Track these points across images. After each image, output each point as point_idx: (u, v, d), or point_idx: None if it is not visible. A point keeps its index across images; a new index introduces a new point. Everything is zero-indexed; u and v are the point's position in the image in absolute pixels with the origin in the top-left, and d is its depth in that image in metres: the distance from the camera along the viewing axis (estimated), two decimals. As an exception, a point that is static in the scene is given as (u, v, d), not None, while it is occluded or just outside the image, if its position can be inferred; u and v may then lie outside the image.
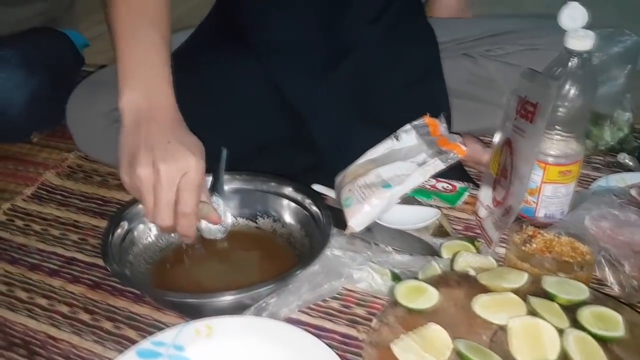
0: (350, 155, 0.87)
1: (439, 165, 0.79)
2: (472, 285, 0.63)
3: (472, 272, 0.66)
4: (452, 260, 0.72)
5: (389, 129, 0.86)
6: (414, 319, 0.59)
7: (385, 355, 0.55)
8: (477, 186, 0.89)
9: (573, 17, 0.72)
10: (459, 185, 0.89)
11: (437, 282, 0.64)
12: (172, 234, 0.77)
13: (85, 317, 0.70)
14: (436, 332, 0.56)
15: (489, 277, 0.63)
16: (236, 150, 0.82)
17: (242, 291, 0.64)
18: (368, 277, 0.71)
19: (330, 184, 0.88)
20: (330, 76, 0.89)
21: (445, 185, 0.89)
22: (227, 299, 0.64)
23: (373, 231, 0.81)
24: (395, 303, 0.61)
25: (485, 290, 0.62)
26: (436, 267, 0.71)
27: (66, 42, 1.18)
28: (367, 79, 0.91)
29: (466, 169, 0.92)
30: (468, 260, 0.71)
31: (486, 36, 0.92)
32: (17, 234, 0.86)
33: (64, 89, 0.95)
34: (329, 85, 0.89)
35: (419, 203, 0.87)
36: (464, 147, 0.79)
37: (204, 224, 0.79)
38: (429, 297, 0.61)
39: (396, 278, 0.71)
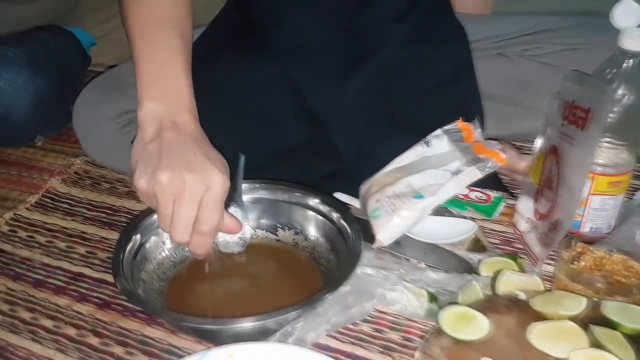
0: (375, 163, 0.81)
1: (476, 174, 0.73)
2: (523, 310, 0.57)
3: (521, 296, 0.59)
4: (494, 280, 0.66)
5: (417, 135, 0.81)
6: (462, 350, 0.53)
7: (432, 392, 0.49)
8: (513, 196, 0.83)
9: (628, 15, 0.65)
10: (493, 194, 0.83)
11: (484, 307, 0.58)
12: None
13: (94, 340, 0.65)
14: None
15: (542, 302, 0.57)
16: (252, 156, 0.76)
17: (267, 316, 0.58)
18: (402, 298, 0.65)
19: (352, 193, 0.82)
20: (353, 78, 0.83)
21: (479, 194, 0.83)
22: (250, 325, 0.58)
23: (402, 245, 0.75)
24: (439, 332, 0.55)
25: (539, 317, 0.56)
26: (477, 288, 0.65)
27: (72, 41, 1.12)
28: (392, 81, 0.85)
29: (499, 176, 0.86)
30: (512, 280, 0.65)
31: (523, 34, 0.86)
32: (20, 246, 0.80)
33: (71, 91, 0.91)
34: (351, 88, 0.83)
35: (451, 214, 0.81)
36: (503, 155, 0.73)
37: (220, 236, 0.73)
38: (478, 326, 0.54)
39: (433, 299, 0.65)
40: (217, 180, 0.59)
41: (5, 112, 0.91)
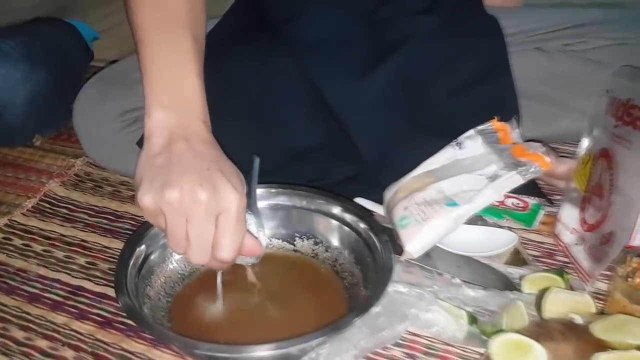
0: (400, 166, 0.75)
1: (517, 180, 0.66)
2: (581, 338, 0.50)
3: (577, 320, 0.52)
4: (540, 298, 0.59)
5: (447, 136, 0.74)
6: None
7: None
8: (552, 203, 0.76)
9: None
10: (531, 201, 0.76)
11: (537, 333, 0.51)
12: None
13: (94, 365, 0.58)
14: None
15: (604, 327, 0.50)
16: (265, 158, 0.70)
17: (289, 343, 0.52)
18: (439, 320, 0.58)
19: (374, 198, 0.75)
20: (375, 73, 0.76)
21: (515, 201, 0.76)
22: (271, 353, 0.51)
23: (433, 257, 0.68)
24: (487, 362, 0.48)
25: (600, 345, 0.49)
26: (522, 309, 0.58)
27: (73, 35, 1.06)
28: (419, 76, 0.78)
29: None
30: (560, 299, 0.58)
31: (564, 28, 0.79)
32: (15, 256, 0.73)
33: (71, 87, 0.85)
34: (373, 84, 0.76)
35: (485, 223, 0.74)
36: (548, 159, 0.66)
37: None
38: (535, 358, 0.47)
39: (473, 321, 0.58)
40: (233, 199, 0.52)
41: (0, 110, 0.85)
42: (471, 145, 0.72)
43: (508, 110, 0.75)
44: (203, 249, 0.52)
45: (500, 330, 0.53)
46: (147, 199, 0.52)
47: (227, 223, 0.52)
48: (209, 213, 0.51)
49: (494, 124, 0.73)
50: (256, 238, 0.60)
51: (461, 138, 0.72)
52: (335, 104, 0.76)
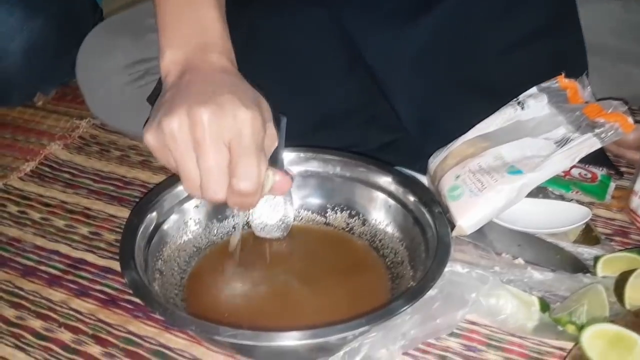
0: (445, 132, 0.66)
1: (594, 144, 0.56)
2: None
3: (681, 309, 0.43)
4: (620, 282, 0.50)
5: (502, 97, 0.64)
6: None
7: None
8: (620, 174, 0.66)
9: None
10: (599, 172, 0.66)
11: (632, 324, 0.41)
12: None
13: (94, 350, 0.49)
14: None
15: None
16: (294, 122, 0.61)
17: (330, 331, 0.42)
18: (506, 306, 0.48)
19: (415, 167, 0.66)
20: (419, 23, 0.66)
21: (582, 171, 0.66)
22: (306, 342, 0.42)
23: (488, 234, 0.59)
24: (581, 358, 0.38)
25: None
26: (603, 294, 0.48)
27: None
28: (471, 27, 0.67)
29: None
30: (648, 284, 0.48)
31: (643, -31, 0.68)
32: (8, 224, 0.65)
33: (74, 37, 0.75)
34: (417, 35, 0.66)
35: (546, 195, 0.64)
36: (630, 120, 0.56)
37: (257, 218, 0.57)
38: (641, 356, 0.38)
39: (546, 308, 0.49)
40: (244, 117, 0.44)
41: (-6, 59, 0.76)
42: (535, 104, 0.62)
43: (575, 67, 0.65)
44: (218, 180, 0.44)
45: (589, 321, 0.43)
46: (148, 136, 0.45)
47: (240, 147, 0.44)
48: (216, 136, 0.43)
49: (560, 81, 0.63)
50: (287, 174, 0.51)
51: (523, 96, 0.63)
52: (371, 58, 0.67)
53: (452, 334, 0.50)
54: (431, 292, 0.48)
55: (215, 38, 0.52)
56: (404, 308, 0.44)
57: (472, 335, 0.50)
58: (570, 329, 0.47)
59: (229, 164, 0.44)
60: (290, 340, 0.42)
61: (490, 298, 0.48)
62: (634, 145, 0.66)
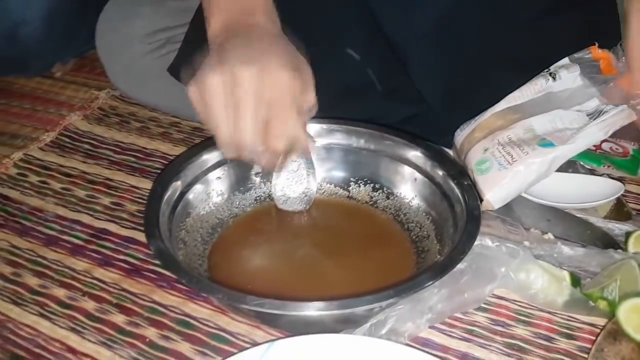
0: (470, 105, 0.63)
1: (629, 115, 0.55)
2: None
3: None
4: (654, 259, 0.48)
5: (530, 69, 0.62)
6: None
7: None
8: (652, 150, 0.64)
9: None
10: (630, 146, 0.64)
11: (672, 300, 0.40)
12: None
13: (118, 319, 0.49)
14: None
15: None
16: (317, 94, 0.59)
17: (356, 302, 0.42)
18: (537, 281, 0.47)
19: (439, 141, 0.64)
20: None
21: (613, 145, 0.64)
22: (332, 313, 0.41)
23: (515, 209, 0.58)
24: (616, 335, 0.37)
25: None
26: (636, 269, 0.47)
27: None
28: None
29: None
30: (681, 260, 0.47)
31: None
32: (30, 193, 0.65)
33: (94, 5, 0.74)
34: (439, 6, 0.63)
35: (576, 169, 0.62)
36: (667, 91, 0.54)
37: (279, 190, 0.57)
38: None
39: (577, 283, 0.48)
40: (283, 77, 0.45)
41: (14, 27, 0.75)
42: (567, 76, 0.60)
43: (608, 36, 0.63)
44: (253, 138, 0.45)
45: (622, 297, 0.42)
46: (192, 91, 0.46)
47: (278, 107, 0.45)
48: (256, 95, 0.44)
49: (593, 51, 0.60)
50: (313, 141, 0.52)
51: (555, 67, 0.60)
52: (391, 29, 0.65)
53: (479, 309, 0.49)
54: (460, 266, 0.47)
55: (259, 0, 0.52)
56: (433, 281, 0.43)
57: (500, 310, 0.49)
58: (602, 304, 0.46)
59: (266, 123, 0.45)
60: (318, 310, 0.41)
61: (520, 272, 0.47)
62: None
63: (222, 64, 0.45)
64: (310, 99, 0.48)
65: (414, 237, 0.56)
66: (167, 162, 0.69)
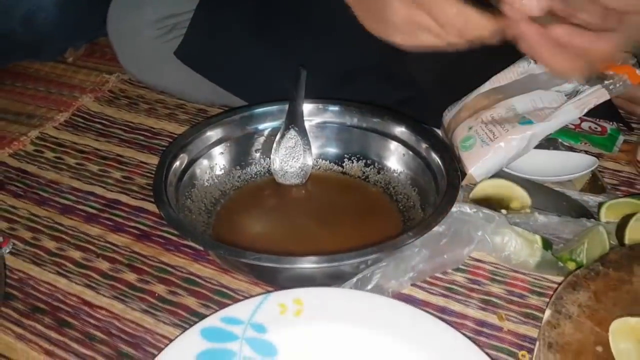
0: (460, 88, 0.67)
1: (602, 94, 0.58)
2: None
3: (676, 245, 0.46)
4: (621, 226, 0.52)
5: (518, 53, 0.65)
6: (606, 309, 0.40)
7: (573, 364, 0.37)
8: (630, 129, 0.68)
9: None
10: (608, 126, 0.68)
11: (630, 257, 0.44)
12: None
13: (130, 277, 0.54)
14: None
15: None
16: (315, 78, 0.64)
17: (344, 257, 0.46)
18: (510, 244, 0.51)
19: (430, 122, 0.68)
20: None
21: (592, 125, 0.68)
22: (323, 265, 0.46)
23: (497, 182, 0.61)
24: (575, 286, 0.42)
25: None
26: (604, 235, 0.51)
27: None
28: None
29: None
30: (647, 227, 0.51)
31: None
32: (46, 168, 0.69)
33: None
34: None
35: (556, 147, 0.66)
36: (638, 71, 0.58)
37: (277, 165, 0.61)
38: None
39: (549, 247, 0.52)
40: None
41: (30, 14, 0.79)
42: (547, 59, 0.64)
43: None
44: None
45: (589, 259, 0.46)
46: None
47: None
48: None
49: (574, 36, 0.64)
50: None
51: (536, 51, 0.64)
52: None
53: (458, 270, 0.53)
54: (439, 229, 0.52)
55: None
56: (413, 239, 0.47)
57: (478, 271, 0.53)
58: (571, 265, 0.51)
59: None
60: (310, 263, 0.46)
61: (495, 236, 0.52)
62: (645, 101, 0.68)
63: None
64: None
65: (401, 207, 0.60)
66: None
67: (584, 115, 0.63)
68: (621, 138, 0.67)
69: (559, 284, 0.46)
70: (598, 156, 0.64)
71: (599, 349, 0.37)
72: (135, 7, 0.74)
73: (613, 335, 0.36)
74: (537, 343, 0.39)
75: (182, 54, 0.71)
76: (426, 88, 0.70)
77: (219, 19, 0.70)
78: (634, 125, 0.69)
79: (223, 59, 0.69)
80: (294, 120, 0.63)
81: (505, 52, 0.66)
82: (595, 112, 0.63)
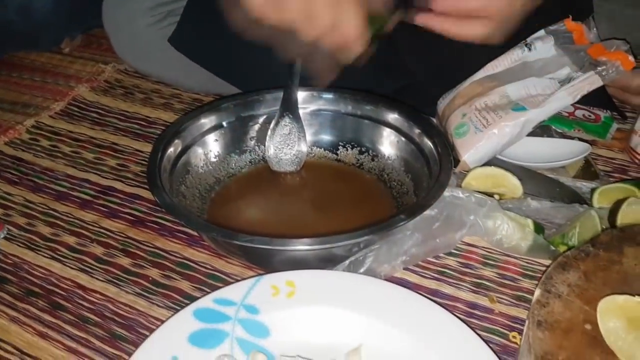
0: (454, 77, 0.67)
1: (595, 81, 0.58)
2: (673, 244, 0.44)
3: (666, 227, 0.46)
4: (613, 211, 0.53)
5: (512, 41, 0.66)
6: (595, 288, 0.40)
7: (563, 340, 0.37)
8: (624, 117, 0.68)
9: None
10: (602, 114, 0.68)
11: (620, 238, 0.44)
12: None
13: (124, 262, 0.54)
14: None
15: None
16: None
17: (335, 239, 0.46)
18: (502, 228, 0.52)
19: (426, 111, 0.68)
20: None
21: (586, 112, 0.68)
22: (315, 247, 0.46)
23: (492, 169, 0.62)
24: (564, 266, 0.42)
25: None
26: (596, 219, 0.51)
27: None
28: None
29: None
30: (638, 211, 0.51)
31: None
32: (41, 155, 0.70)
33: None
34: None
35: (550, 134, 0.67)
36: (631, 58, 0.58)
37: (272, 152, 0.61)
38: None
39: (540, 231, 0.52)
40: None
41: (26, 3, 0.79)
42: (542, 46, 0.64)
43: (581, 10, 0.67)
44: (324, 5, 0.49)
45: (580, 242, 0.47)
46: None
47: None
48: None
49: (567, 23, 0.65)
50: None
51: (531, 39, 0.65)
52: None
53: (450, 254, 0.53)
54: (432, 213, 0.52)
55: None
56: (404, 222, 0.47)
57: (470, 255, 0.53)
58: (562, 249, 0.51)
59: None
60: (302, 245, 0.46)
61: (487, 220, 0.52)
62: (638, 91, 0.68)
63: None
64: None
65: (395, 194, 0.60)
66: (168, 129, 0.73)
67: (578, 104, 0.64)
68: (615, 126, 0.67)
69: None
70: (591, 143, 0.64)
71: (588, 327, 0.37)
72: (129, -4, 0.74)
73: (601, 313, 0.37)
74: (527, 321, 0.39)
75: (176, 41, 0.71)
76: (422, 77, 0.70)
77: (213, 6, 0.70)
78: (627, 114, 0.70)
79: (216, 46, 0.69)
80: (288, 107, 0.63)
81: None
82: (590, 101, 0.64)
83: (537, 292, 0.40)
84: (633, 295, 0.37)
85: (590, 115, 0.67)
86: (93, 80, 0.84)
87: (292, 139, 0.63)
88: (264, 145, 0.63)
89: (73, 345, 0.46)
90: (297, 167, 0.63)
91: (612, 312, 0.37)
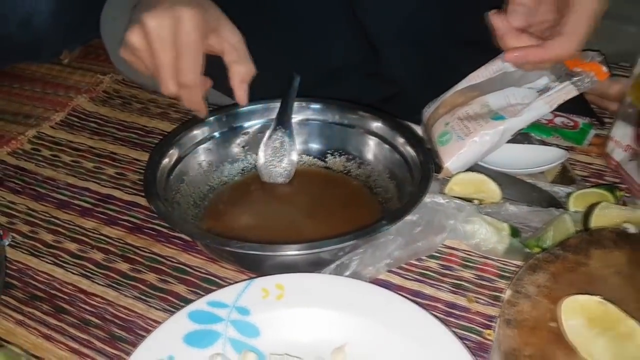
0: (439, 86, 0.70)
1: (571, 91, 0.61)
2: (635, 247, 0.46)
3: (631, 229, 0.49)
4: (587, 215, 0.55)
5: (492, 51, 0.68)
6: (562, 290, 0.43)
7: (529, 337, 0.40)
8: (602, 123, 0.71)
9: None
10: (581, 120, 0.71)
11: (587, 241, 0.47)
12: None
13: (123, 267, 0.57)
14: (608, 309, 0.40)
15: (663, 237, 0.46)
16: (301, 78, 0.67)
17: (322, 244, 0.49)
18: (480, 232, 0.55)
19: (412, 119, 0.71)
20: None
21: (564, 120, 0.71)
22: (303, 252, 0.49)
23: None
24: (534, 268, 0.45)
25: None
26: (569, 222, 0.54)
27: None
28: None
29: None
30: (610, 214, 0.54)
31: None
32: (43, 165, 0.73)
33: (100, -2, 0.80)
34: (410, 5, 0.70)
35: (530, 141, 0.70)
36: (605, 69, 0.61)
37: (262, 165, 0.64)
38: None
39: (516, 234, 0.55)
40: (182, 14, 0.52)
41: (27, 16, 0.82)
42: (520, 57, 0.67)
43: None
44: (166, 73, 0.54)
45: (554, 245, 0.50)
46: (125, 55, 0.56)
47: (181, 41, 0.53)
48: (161, 39, 0.52)
49: (546, 35, 0.67)
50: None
51: (509, 50, 0.67)
52: (363, 15, 0.71)
53: (432, 257, 0.56)
54: (413, 218, 0.55)
55: None
56: (386, 227, 0.50)
57: (450, 257, 0.56)
58: (537, 251, 0.54)
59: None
60: (291, 250, 0.49)
61: (466, 224, 0.55)
62: (615, 97, 0.70)
63: (137, 19, 0.53)
64: (201, 19, 0.54)
65: (380, 199, 0.63)
66: (165, 138, 0.76)
67: (558, 111, 0.67)
68: (592, 132, 0.70)
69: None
70: (569, 149, 0.67)
71: (553, 324, 0.40)
72: (127, 9, 0.76)
73: (563, 312, 0.40)
74: (497, 320, 0.42)
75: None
76: (407, 87, 0.73)
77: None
78: (605, 120, 0.72)
79: (210, 58, 0.72)
80: (282, 122, 0.65)
81: (482, 51, 0.69)
82: (569, 108, 0.66)
83: (508, 293, 0.43)
84: (594, 295, 0.40)
85: (569, 122, 0.70)
86: (92, 91, 0.87)
87: (283, 153, 0.65)
88: (256, 155, 0.66)
89: (76, 346, 0.49)
90: (287, 179, 0.65)
91: (573, 311, 0.39)
